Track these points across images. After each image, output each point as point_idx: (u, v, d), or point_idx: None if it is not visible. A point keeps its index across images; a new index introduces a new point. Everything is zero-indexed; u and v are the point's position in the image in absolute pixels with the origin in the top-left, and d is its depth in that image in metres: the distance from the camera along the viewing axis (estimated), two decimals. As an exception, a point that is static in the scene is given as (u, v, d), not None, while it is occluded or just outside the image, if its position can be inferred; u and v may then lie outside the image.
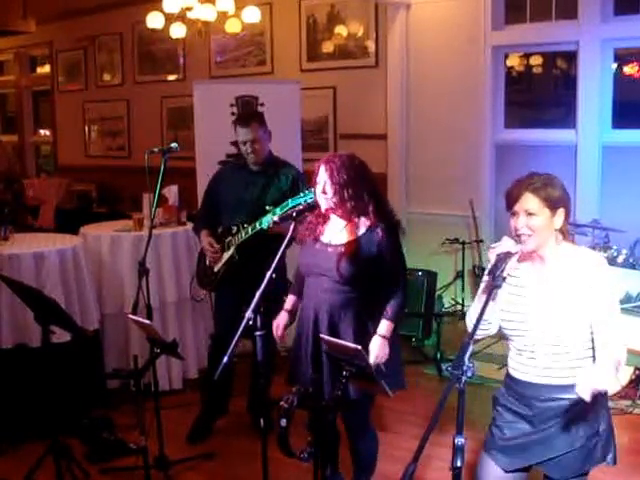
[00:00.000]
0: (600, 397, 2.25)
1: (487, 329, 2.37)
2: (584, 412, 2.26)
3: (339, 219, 2.94)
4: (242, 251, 3.78)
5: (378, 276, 2.92)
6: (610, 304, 2.25)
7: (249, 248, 3.72)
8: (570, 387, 2.25)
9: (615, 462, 2.34)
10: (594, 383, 1.99)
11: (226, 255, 3.88)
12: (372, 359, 2.82)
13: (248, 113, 4.31)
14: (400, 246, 3.00)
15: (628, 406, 4.22)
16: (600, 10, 5.36)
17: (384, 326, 2.90)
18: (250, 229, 3.69)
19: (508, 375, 2.42)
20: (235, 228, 3.79)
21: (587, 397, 2.00)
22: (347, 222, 2.92)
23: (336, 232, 2.95)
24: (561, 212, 2.25)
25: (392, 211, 3.03)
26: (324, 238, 2.96)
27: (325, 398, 2.74)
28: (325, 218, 2.98)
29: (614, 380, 2.06)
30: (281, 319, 3.14)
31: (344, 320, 2.91)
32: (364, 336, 2.89)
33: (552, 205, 2.22)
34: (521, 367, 2.35)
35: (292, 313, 3.17)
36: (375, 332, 2.91)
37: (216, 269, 3.96)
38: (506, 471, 2.37)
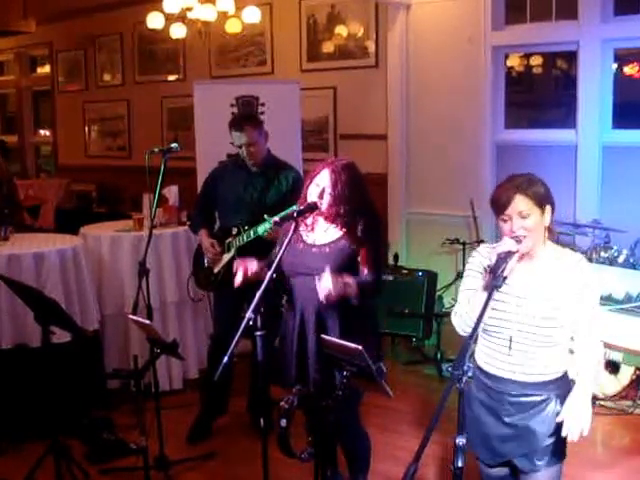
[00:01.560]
0: (567, 395, 2.29)
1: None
2: (554, 408, 2.30)
3: (323, 221, 2.95)
4: (243, 252, 3.78)
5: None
6: (593, 307, 2.31)
7: (250, 249, 3.71)
8: (542, 384, 2.31)
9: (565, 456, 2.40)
10: (580, 426, 2.18)
11: (227, 256, 3.87)
12: (323, 284, 2.70)
13: (241, 116, 4.27)
14: (379, 239, 3.02)
15: (629, 406, 4.21)
16: (600, 10, 5.35)
17: (346, 276, 2.78)
18: (252, 232, 3.67)
19: (478, 368, 2.42)
20: (235, 229, 3.78)
21: (572, 437, 2.19)
22: (330, 223, 2.93)
23: (319, 232, 2.95)
24: (548, 209, 2.27)
25: (380, 229, 3.08)
26: (308, 238, 2.96)
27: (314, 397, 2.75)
28: (309, 219, 2.97)
29: (589, 411, 2.22)
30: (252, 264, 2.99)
31: (330, 318, 2.92)
32: (349, 333, 2.86)
33: (541, 203, 2.24)
34: (495, 362, 2.37)
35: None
36: (359, 330, 2.90)
37: (216, 270, 3.95)
38: (490, 466, 2.44)
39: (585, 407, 2.22)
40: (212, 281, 4.00)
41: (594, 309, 2.32)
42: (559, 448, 2.32)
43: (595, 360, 2.32)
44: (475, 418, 2.41)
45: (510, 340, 2.31)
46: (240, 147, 3.78)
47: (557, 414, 2.27)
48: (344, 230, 2.91)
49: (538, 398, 2.31)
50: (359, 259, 2.90)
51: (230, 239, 3.82)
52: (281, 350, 3.06)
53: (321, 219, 2.96)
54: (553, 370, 2.32)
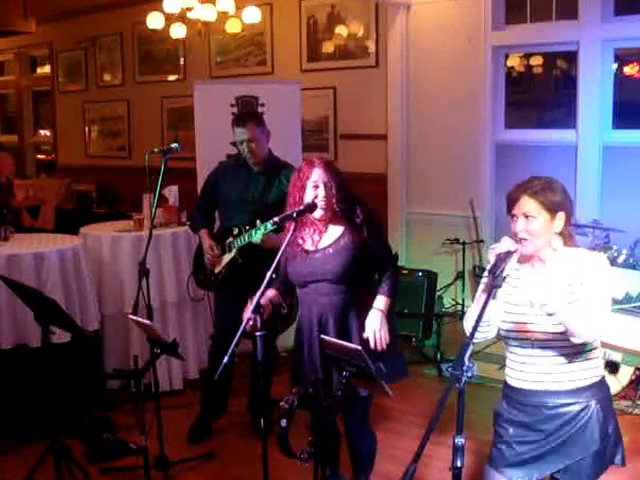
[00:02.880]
0: (606, 400, 2.26)
1: (487, 331, 2.35)
2: (595, 414, 2.25)
3: (319, 224, 2.94)
4: (244, 252, 3.78)
5: (368, 268, 2.97)
6: (602, 298, 2.20)
7: (251, 250, 3.72)
8: (576, 391, 2.26)
9: (624, 463, 2.32)
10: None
11: (227, 257, 3.87)
12: (369, 332, 2.88)
13: (245, 113, 4.30)
14: (381, 231, 3.08)
15: (628, 406, 4.21)
16: (600, 10, 5.35)
17: (380, 301, 2.95)
18: (247, 237, 3.66)
19: (507, 386, 2.40)
20: (236, 229, 3.78)
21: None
22: (327, 225, 2.94)
23: (318, 237, 2.95)
24: (561, 216, 2.24)
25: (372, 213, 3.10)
26: (308, 247, 2.95)
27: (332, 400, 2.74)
28: (303, 227, 2.96)
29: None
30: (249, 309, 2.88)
31: (350, 318, 2.94)
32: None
33: (551, 208, 2.21)
34: (521, 375, 2.33)
35: (267, 306, 2.91)
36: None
37: (217, 270, 3.95)
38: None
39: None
40: (213, 281, 4.00)
41: (599, 297, 2.19)
42: (605, 456, 2.27)
43: (579, 316, 2.14)
44: (511, 440, 2.34)
45: (532, 347, 2.28)
46: (241, 143, 3.79)
47: (599, 422, 2.23)
48: (346, 224, 2.91)
49: (577, 407, 2.25)
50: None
51: (231, 239, 3.82)
52: (298, 356, 3.05)
53: (320, 224, 2.95)
54: (586, 375, 2.26)
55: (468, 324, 2.37)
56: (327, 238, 2.94)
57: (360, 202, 2.99)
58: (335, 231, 2.94)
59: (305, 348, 3.01)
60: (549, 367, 2.27)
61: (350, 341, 2.80)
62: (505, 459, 2.34)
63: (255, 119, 3.85)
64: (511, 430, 2.35)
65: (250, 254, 3.72)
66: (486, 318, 2.25)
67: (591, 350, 2.27)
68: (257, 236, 3.56)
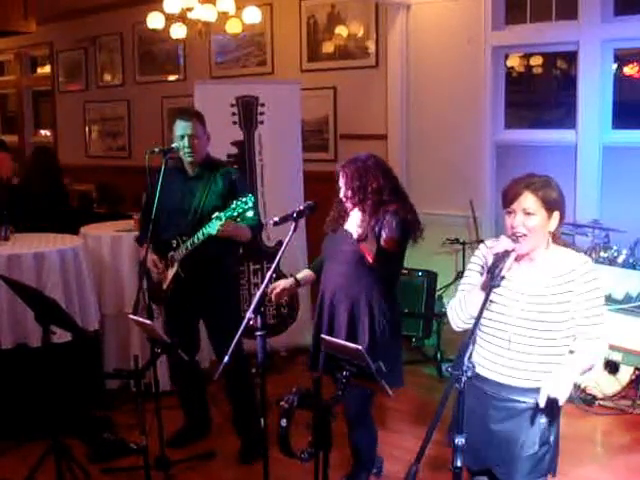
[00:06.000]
0: (555, 406, 2.25)
1: (470, 323, 2.35)
2: (538, 418, 2.27)
3: (363, 213, 3.13)
4: (186, 266, 3.64)
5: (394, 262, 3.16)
6: (598, 310, 2.27)
7: (192, 262, 3.60)
8: (529, 391, 2.28)
9: (555, 474, 2.36)
10: (551, 391, 2.11)
11: (171, 272, 3.72)
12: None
13: (191, 108, 4.16)
14: (400, 233, 3.10)
15: (628, 406, 4.22)
16: (600, 10, 5.35)
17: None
18: (189, 243, 3.54)
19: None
20: (175, 242, 3.64)
21: (541, 402, 2.12)
22: (369, 215, 3.11)
23: (359, 222, 3.11)
24: (556, 215, 2.26)
25: (412, 208, 3.23)
26: (348, 226, 3.15)
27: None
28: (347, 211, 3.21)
29: (567, 392, 2.15)
30: (285, 282, 3.33)
31: (363, 315, 3.09)
32: (377, 333, 3.08)
33: (549, 207, 2.24)
34: (490, 365, 2.35)
35: (298, 284, 3.37)
36: (378, 324, 3.09)
37: (165, 286, 3.78)
38: (473, 473, 2.41)
39: (567, 379, 2.17)
40: (163, 297, 3.84)
41: (599, 312, 2.28)
42: (542, 462, 2.28)
43: (593, 357, 2.29)
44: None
45: (509, 341, 2.30)
46: (182, 138, 3.65)
47: (542, 425, 2.25)
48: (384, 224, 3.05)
49: (523, 405, 2.29)
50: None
51: (171, 252, 3.68)
52: (315, 335, 3.24)
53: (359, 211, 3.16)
54: (542, 377, 2.26)
55: (452, 312, 2.41)
56: (365, 225, 3.09)
57: (395, 201, 3.12)
58: (372, 224, 3.07)
59: (320, 327, 3.21)
60: (517, 363, 2.29)
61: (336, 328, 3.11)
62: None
63: (199, 118, 3.77)
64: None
65: (191, 266, 3.62)
66: (472, 312, 2.26)
67: (557, 355, 2.28)
68: (214, 227, 3.35)
